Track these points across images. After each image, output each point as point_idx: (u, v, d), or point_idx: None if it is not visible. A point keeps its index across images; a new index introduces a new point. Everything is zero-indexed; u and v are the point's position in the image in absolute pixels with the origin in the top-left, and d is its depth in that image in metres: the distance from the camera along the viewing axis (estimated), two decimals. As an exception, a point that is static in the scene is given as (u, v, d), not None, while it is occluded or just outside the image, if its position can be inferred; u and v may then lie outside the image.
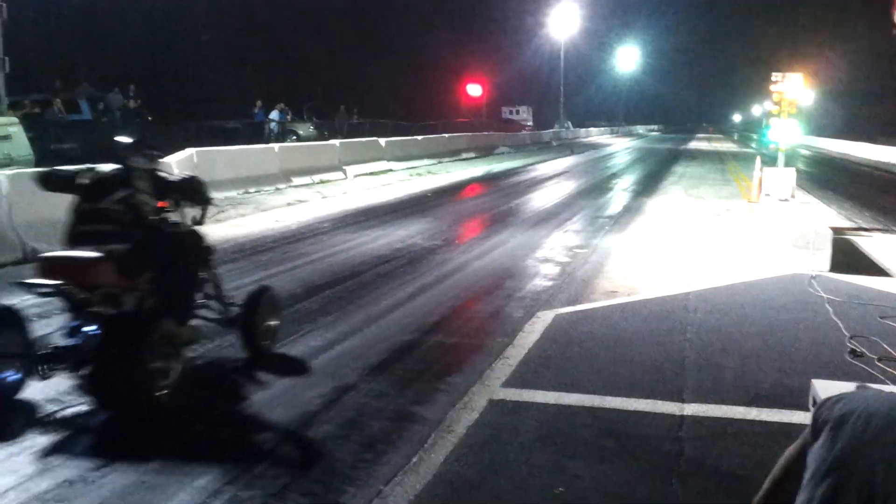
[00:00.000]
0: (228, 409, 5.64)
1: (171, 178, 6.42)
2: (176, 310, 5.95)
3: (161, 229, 5.95)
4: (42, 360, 5.38)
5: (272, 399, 5.82)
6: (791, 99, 18.51)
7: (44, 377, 5.41)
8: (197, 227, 6.52)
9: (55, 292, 5.36)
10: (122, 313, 5.51)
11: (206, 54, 49.08)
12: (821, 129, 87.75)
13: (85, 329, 5.46)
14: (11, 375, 5.40)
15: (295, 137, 33.68)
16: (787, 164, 17.27)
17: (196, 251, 6.44)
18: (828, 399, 1.82)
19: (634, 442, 5.07)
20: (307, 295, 9.01)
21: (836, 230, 12.76)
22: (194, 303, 6.45)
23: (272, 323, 6.85)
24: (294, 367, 6.56)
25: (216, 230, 13.47)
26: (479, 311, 8.66)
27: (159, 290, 5.76)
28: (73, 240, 5.58)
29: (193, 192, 6.37)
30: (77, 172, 6.02)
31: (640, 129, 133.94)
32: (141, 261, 5.56)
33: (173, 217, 6.27)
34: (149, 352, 5.22)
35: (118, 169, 5.81)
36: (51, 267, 5.41)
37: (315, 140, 31.51)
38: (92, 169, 5.96)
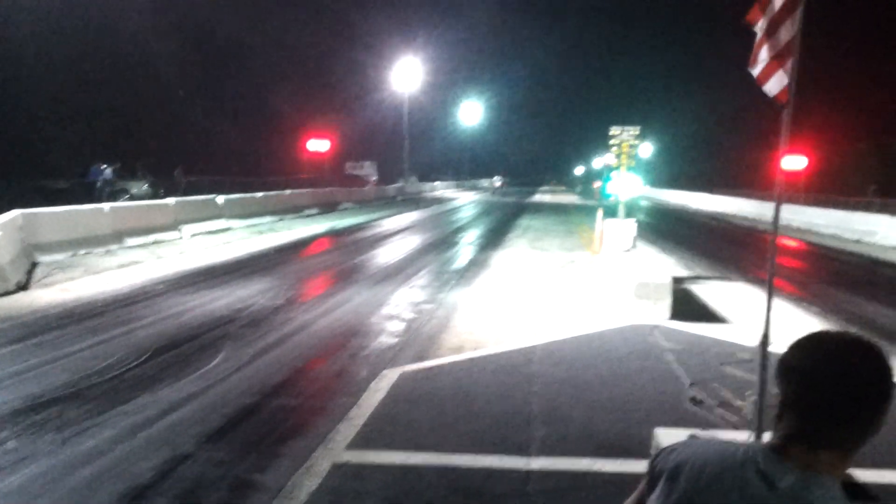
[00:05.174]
0: (53, 485, 5.21)
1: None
2: None
3: None
4: None
5: (101, 473, 5.44)
6: (629, 151, 19.27)
7: None
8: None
9: None
10: None
11: (34, 111, 46.86)
12: (660, 181, 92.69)
13: None
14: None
15: (128, 196, 32.58)
16: (627, 216, 17.91)
17: None
18: (663, 450, 1.81)
19: (482, 499, 5.00)
20: (141, 360, 8.57)
21: (676, 280, 13.27)
22: None
23: None
24: (126, 436, 6.17)
25: (43, 295, 12.76)
26: (324, 372, 8.46)
27: None
28: None
29: None
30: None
31: (485, 182, 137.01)
32: None
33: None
34: None
35: None
36: None
37: (149, 199, 30.48)
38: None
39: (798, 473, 1.53)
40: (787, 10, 7.03)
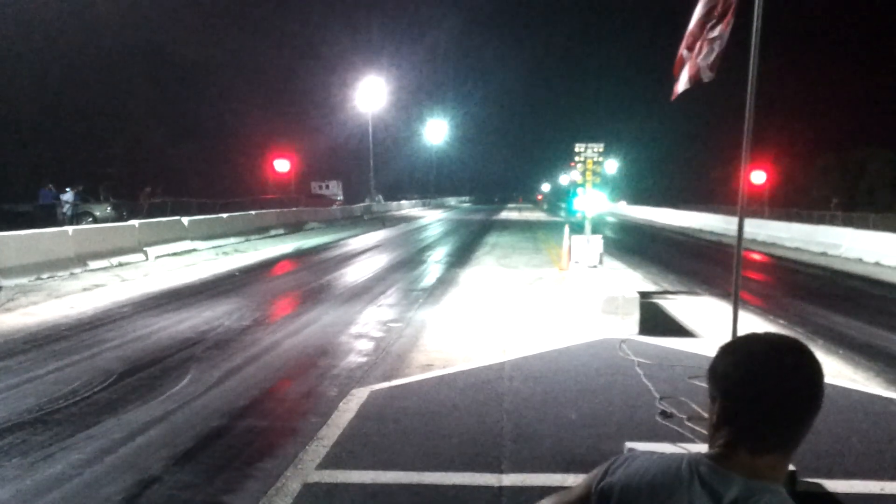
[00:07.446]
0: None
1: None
2: None
3: None
4: None
5: (68, 498, 5.35)
6: (594, 168, 19.40)
7: None
8: None
9: None
10: None
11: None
12: (626, 197, 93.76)
13: None
14: None
15: (91, 219, 32.29)
16: (594, 232, 18.01)
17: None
18: (607, 469, 1.78)
19: (455, 517, 4.96)
20: (107, 384, 8.45)
21: (644, 294, 13.32)
22: None
23: None
24: (93, 461, 6.07)
25: (6, 320, 12.56)
26: (292, 392, 8.39)
27: None
28: None
29: None
30: None
31: (452, 200, 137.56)
32: None
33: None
34: None
35: None
36: None
37: (113, 221, 30.18)
38: None
39: (742, 483, 1.53)
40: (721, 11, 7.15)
